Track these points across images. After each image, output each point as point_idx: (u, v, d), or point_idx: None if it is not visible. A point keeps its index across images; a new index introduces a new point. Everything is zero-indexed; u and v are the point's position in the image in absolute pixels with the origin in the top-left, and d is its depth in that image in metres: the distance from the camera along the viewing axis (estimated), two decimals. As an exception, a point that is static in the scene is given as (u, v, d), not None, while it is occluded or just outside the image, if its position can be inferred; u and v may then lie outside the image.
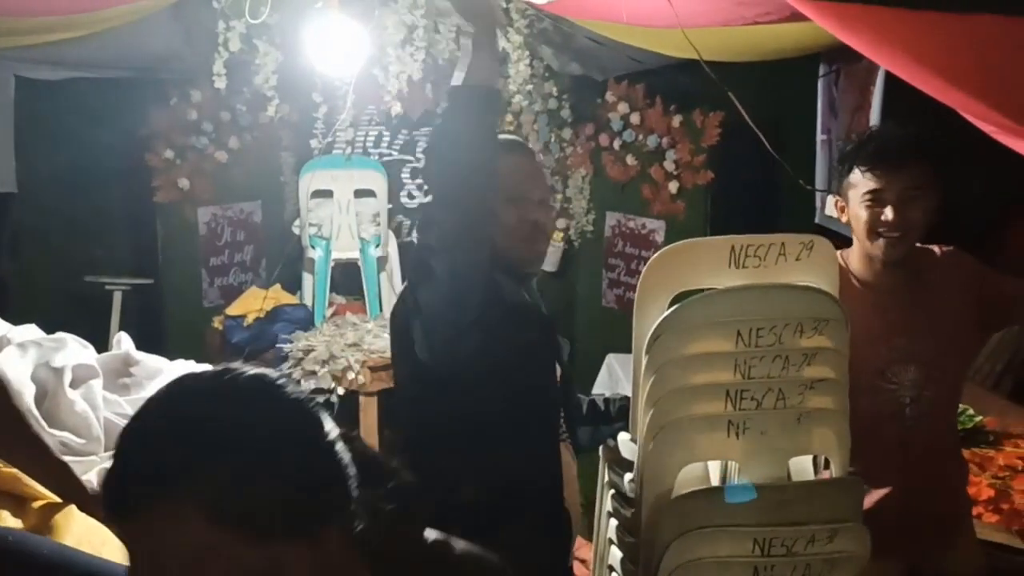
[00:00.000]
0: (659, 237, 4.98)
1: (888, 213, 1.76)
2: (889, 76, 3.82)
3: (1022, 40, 2.19)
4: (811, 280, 1.62)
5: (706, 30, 3.20)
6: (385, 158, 5.09)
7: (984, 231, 5.22)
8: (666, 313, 1.58)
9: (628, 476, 1.72)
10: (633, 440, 1.71)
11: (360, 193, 4.66)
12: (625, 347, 4.50)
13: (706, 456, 1.63)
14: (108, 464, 1.63)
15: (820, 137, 4.77)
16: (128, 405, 2.03)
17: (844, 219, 1.97)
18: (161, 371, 2.19)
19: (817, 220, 4.83)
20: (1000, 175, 4.21)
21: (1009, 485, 2.70)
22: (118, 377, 2.13)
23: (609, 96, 4.96)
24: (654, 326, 1.58)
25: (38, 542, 1.34)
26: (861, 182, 1.82)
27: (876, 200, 1.80)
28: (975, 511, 2.63)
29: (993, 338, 4.90)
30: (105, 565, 1.37)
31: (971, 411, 3.04)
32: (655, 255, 1.63)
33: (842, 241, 4.10)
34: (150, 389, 2.12)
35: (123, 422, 1.96)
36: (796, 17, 2.48)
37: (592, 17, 3.65)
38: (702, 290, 1.64)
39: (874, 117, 4.07)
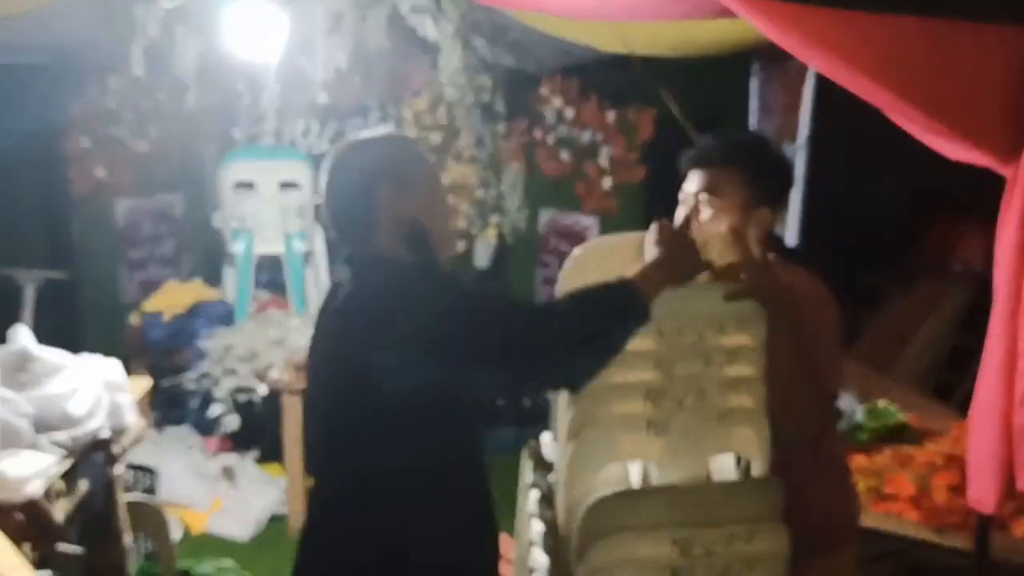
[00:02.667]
0: (593, 234, 4.96)
1: (678, 215, 1.74)
2: (821, 76, 3.86)
3: (944, 41, 2.20)
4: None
5: (637, 24, 3.18)
6: (315, 150, 4.97)
7: (899, 234, 5.33)
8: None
9: (550, 477, 1.67)
10: (556, 439, 1.66)
11: (285, 185, 4.53)
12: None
13: (627, 456, 1.59)
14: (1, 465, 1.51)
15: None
16: (26, 403, 1.92)
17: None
18: (62, 367, 2.08)
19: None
20: (917, 178, 4.31)
21: (929, 482, 2.73)
22: (15, 372, 2.02)
23: (543, 90, 4.92)
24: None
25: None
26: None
27: (682, 203, 1.80)
28: (896, 508, 2.65)
29: (918, 337, 5.00)
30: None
31: (893, 408, 3.07)
32: (574, 252, 1.59)
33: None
34: (49, 386, 2.01)
35: (20, 420, 1.88)
36: (728, 13, 2.46)
37: (523, 7, 3.60)
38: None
39: (804, 117, 4.12)
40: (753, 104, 4.74)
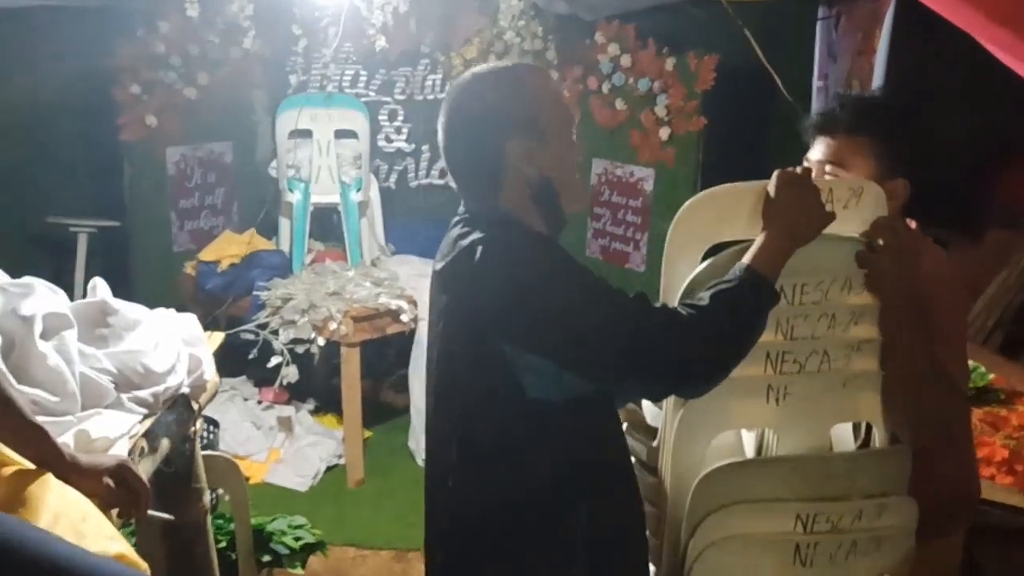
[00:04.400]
0: (648, 186, 4.83)
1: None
2: (898, 20, 3.68)
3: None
4: (860, 230, 1.49)
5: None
6: (363, 98, 4.87)
7: (965, 183, 5.15)
8: (701, 267, 1.44)
9: (652, 443, 1.60)
10: (661, 404, 1.58)
11: (341, 134, 4.44)
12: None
13: (742, 424, 1.51)
14: (84, 426, 1.43)
15: (816, 83, 4.61)
16: (107, 359, 1.86)
17: None
18: (140, 321, 2.02)
19: (809, 170, 4.73)
20: (986, 126, 4.12)
21: (1022, 446, 2.63)
22: (95, 327, 1.95)
23: (598, 37, 4.76)
24: (687, 281, 1.44)
25: (20, 536, 1.17)
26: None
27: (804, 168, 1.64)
28: (988, 472, 2.56)
29: (987, 292, 4.86)
30: (91, 561, 1.21)
31: (982, 369, 2.96)
32: (687, 203, 1.48)
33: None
34: (129, 341, 1.95)
35: (101, 378, 1.82)
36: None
37: None
38: (739, 242, 1.50)
39: (879, 63, 3.93)
40: (820, 49, 4.54)
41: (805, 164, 1.64)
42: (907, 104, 1.99)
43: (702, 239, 1.48)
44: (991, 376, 2.96)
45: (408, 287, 4.11)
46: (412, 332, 4.04)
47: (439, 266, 1.57)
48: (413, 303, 4.01)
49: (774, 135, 4.79)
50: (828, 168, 1.60)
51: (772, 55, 4.53)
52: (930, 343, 1.48)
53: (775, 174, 1.44)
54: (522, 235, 1.44)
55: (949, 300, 1.58)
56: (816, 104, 4.66)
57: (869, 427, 1.56)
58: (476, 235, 1.48)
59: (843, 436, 1.55)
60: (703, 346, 1.37)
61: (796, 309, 1.46)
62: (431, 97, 5.00)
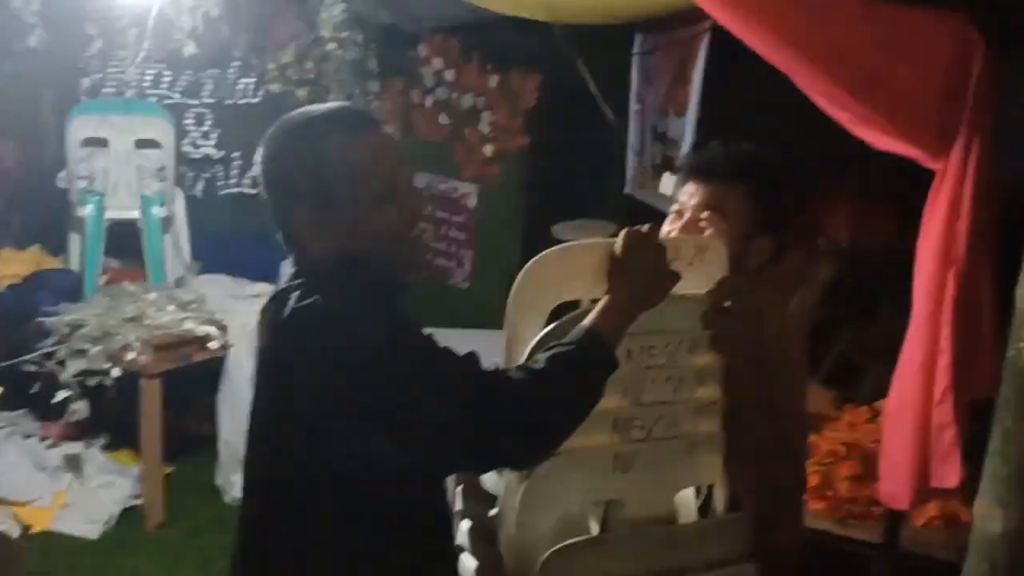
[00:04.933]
0: (472, 202, 4.77)
1: (676, 229, 1.55)
2: (712, 51, 3.77)
3: (885, 28, 2.12)
4: (705, 288, 1.44)
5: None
6: (166, 101, 4.51)
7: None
8: (546, 329, 1.34)
9: (491, 511, 1.48)
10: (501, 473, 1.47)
11: (142, 143, 4.06)
12: (435, 321, 4.31)
13: (589, 494, 1.42)
14: None
15: (633, 107, 4.70)
16: None
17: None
18: None
19: (627, 189, 4.80)
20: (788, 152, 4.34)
21: (833, 472, 2.72)
22: None
23: (422, 50, 4.64)
24: (530, 345, 1.34)
25: None
26: (680, 191, 1.62)
27: (677, 213, 1.60)
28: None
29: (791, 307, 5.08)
30: None
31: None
32: (531, 262, 1.38)
33: (647, 214, 4.05)
34: None
35: None
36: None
37: None
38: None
39: (695, 92, 4.02)
40: (637, 75, 4.61)
41: (677, 206, 1.58)
42: (784, 157, 2.01)
43: (546, 299, 1.38)
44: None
45: (218, 310, 3.81)
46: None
47: (265, 303, 1.41)
48: (223, 328, 3.71)
49: (596, 155, 4.83)
50: (706, 214, 1.54)
51: (593, 76, 4.57)
52: (772, 405, 1.45)
53: (622, 233, 1.36)
54: (342, 288, 1.28)
55: (791, 359, 1.56)
56: (633, 127, 4.75)
57: (710, 488, 1.51)
58: (297, 281, 1.34)
59: (684, 498, 1.49)
60: (535, 414, 1.27)
61: (643, 373, 1.39)
62: (243, 101, 4.72)
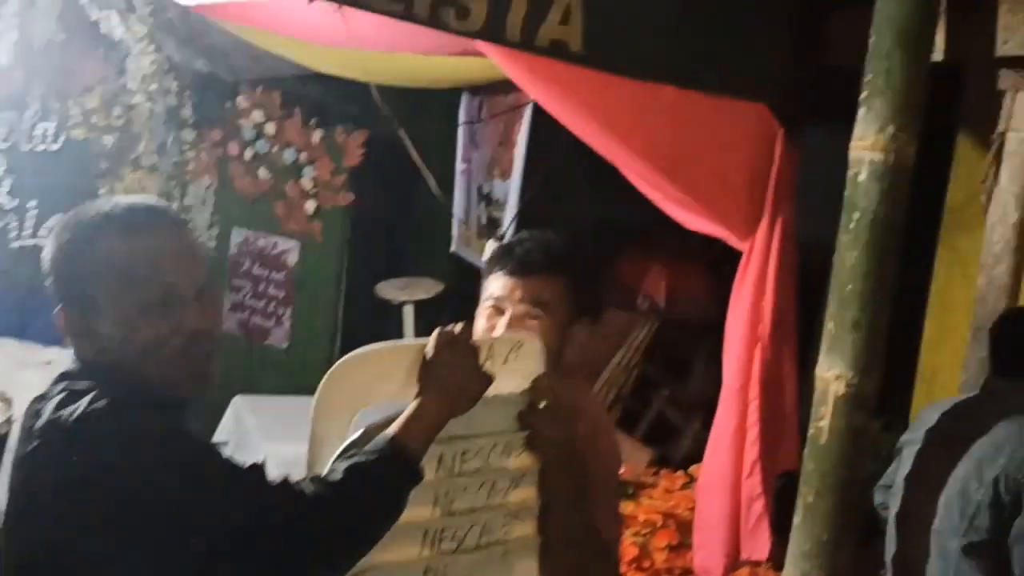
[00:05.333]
0: (292, 258, 4.61)
1: (501, 325, 1.51)
2: (537, 116, 3.83)
3: (697, 114, 2.20)
4: (521, 386, 1.40)
5: (379, 54, 2.92)
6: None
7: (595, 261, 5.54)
8: (352, 437, 1.26)
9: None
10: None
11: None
12: (253, 386, 4.10)
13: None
14: None
15: (460, 167, 4.72)
16: None
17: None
18: None
19: (453, 248, 4.79)
20: (609, 213, 4.46)
21: (650, 542, 2.74)
22: None
23: (241, 101, 4.47)
24: (334, 455, 1.25)
25: None
26: (490, 285, 1.55)
27: (495, 309, 1.54)
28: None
29: (607, 370, 5.19)
30: None
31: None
32: (336, 364, 1.29)
33: (472, 273, 4.03)
34: None
35: None
36: (477, 52, 2.30)
37: (262, 26, 3.19)
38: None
39: (519, 155, 4.07)
40: (462, 135, 4.64)
41: (493, 302, 1.52)
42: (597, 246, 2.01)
43: (352, 403, 1.29)
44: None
45: (2, 380, 3.46)
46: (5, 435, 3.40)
47: (28, 405, 1.25)
48: (6, 400, 3.37)
49: (423, 213, 4.81)
50: (530, 309, 1.49)
51: (417, 133, 4.55)
52: (585, 502, 1.42)
53: (434, 334, 1.30)
54: (108, 400, 1.15)
55: (605, 455, 1.55)
56: (459, 186, 4.76)
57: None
58: (61, 384, 1.20)
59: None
60: (327, 531, 1.17)
61: (456, 480, 1.33)
62: (42, 148, 4.37)
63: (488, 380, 1.32)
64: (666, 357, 5.13)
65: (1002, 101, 2.10)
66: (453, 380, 1.28)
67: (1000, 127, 2.13)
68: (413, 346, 1.31)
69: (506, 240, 1.60)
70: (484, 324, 1.50)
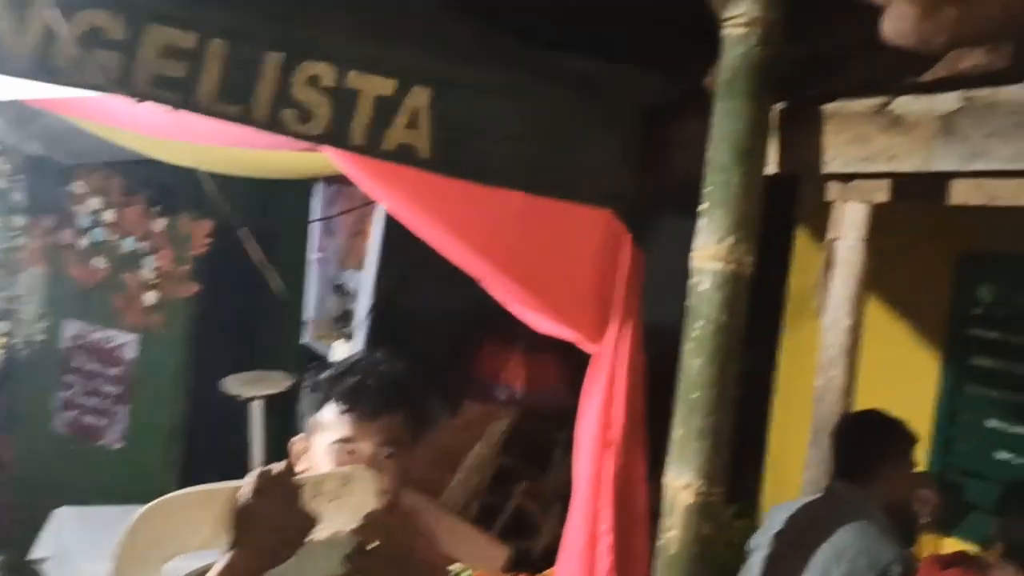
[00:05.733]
0: (130, 353, 4.35)
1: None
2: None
3: (544, 219, 2.19)
4: (351, 524, 1.30)
5: (213, 148, 2.81)
6: None
7: (452, 356, 5.50)
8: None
9: None
10: None
11: None
12: (82, 492, 3.78)
13: None
14: None
15: (316, 255, 4.61)
16: None
17: (302, 465, 1.47)
18: None
19: (305, 340, 4.64)
20: (468, 302, 4.44)
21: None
22: None
23: (78, 186, 4.24)
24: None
25: None
26: (334, 423, 1.44)
27: (347, 451, 1.42)
28: None
29: (465, 464, 5.10)
30: None
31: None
32: (140, 513, 1.16)
33: (325, 366, 3.88)
34: None
35: None
36: (314, 148, 2.23)
37: (94, 119, 3.02)
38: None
39: (372, 248, 4.01)
40: (316, 225, 4.54)
41: (341, 444, 1.41)
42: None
43: (159, 556, 1.16)
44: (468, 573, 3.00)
45: None
46: None
47: None
48: None
49: (273, 304, 4.64)
50: (381, 449, 1.40)
51: (274, 223, 4.43)
52: None
53: (250, 475, 1.20)
54: None
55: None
56: (313, 275, 4.64)
57: None
58: None
59: None
60: None
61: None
62: None
63: (311, 524, 1.22)
64: (525, 448, 5.08)
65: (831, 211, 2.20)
66: (270, 527, 1.18)
67: (830, 235, 2.22)
68: (226, 490, 1.20)
69: (344, 368, 1.49)
70: (332, 464, 1.40)
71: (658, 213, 2.36)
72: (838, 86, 2.05)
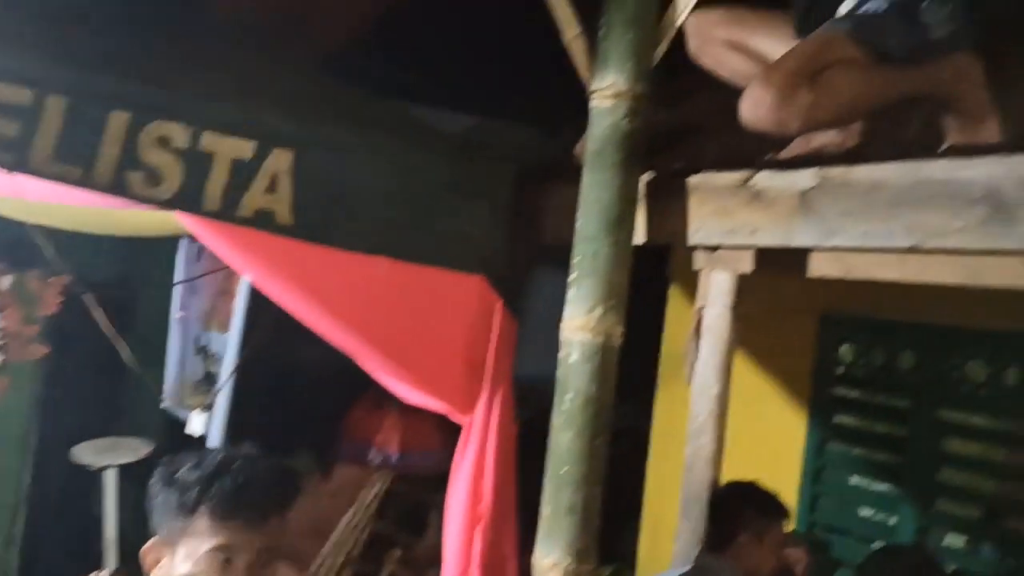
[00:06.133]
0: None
1: None
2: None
3: (412, 287, 2.13)
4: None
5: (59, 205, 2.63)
6: None
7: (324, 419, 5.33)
8: None
9: None
10: None
11: None
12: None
13: None
14: None
15: (177, 314, 4.39)
16: None
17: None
18: None
19: (165, 404, 4.40)
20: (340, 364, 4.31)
21: None
22: None
23: (-90, 245, 3.93)
24: None
25: None
26: (206, 531, 1.33)
27: (224, 561, 1.33)
28: None
29: (337, 529, 4.91)
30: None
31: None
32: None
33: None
34: None
35: None
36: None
37: None
38: None
39: (239, 308, 3.85)
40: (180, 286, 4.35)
41: (217, 553, 1.29)
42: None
43: None
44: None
45: None
46: None
47: None
48: None
49: (126, 369, 4.38)
50: (265, 557, 1.28)
51: (134, 274, 4.21)
52: None
53: None
54: None
55: None
56: (175, 335, 4.41)
57: None
58: None
59: None
60: None
61: None
62: None
63: None
64: (400, 512, 4.93)
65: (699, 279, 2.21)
66: None
67: (698, 303, 2.23)
68: None
69: (212, 467, 1.35)
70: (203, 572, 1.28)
71: (531, 278, 2.33)
72: (704, 156, 2.09)
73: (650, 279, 3.16)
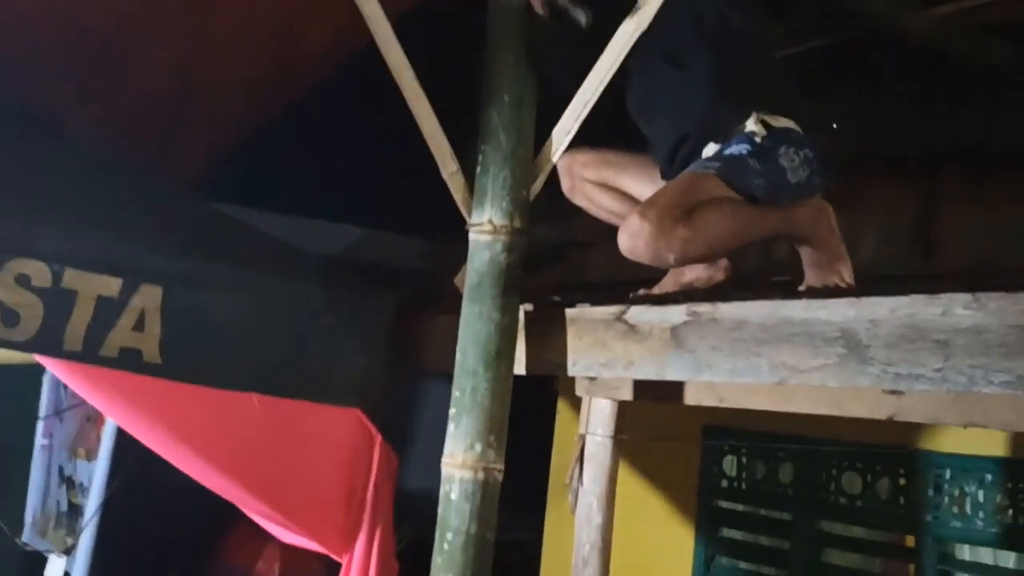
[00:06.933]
0: None
1: None
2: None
3: (285, 424, 2.06)
4: None
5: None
6: None
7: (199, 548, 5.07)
8: None
9: None
10: None
11: None
12: None
13: None
14: None
15: (41, 442, 4.14)
16: None
17: None
18: None
19: (24, 539, 4.09)
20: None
21: None
22: None
23: None
24: None
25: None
26: None
27: None
28: None
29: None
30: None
31: None
32: None
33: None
34: None
35: None
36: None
37: None
38: None
39: (107, 436, 3.65)
40: (47, 408, 4.11)
41: None
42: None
43: None
44: None
45: None
46: None
47: None
48: None
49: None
50: None
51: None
52: None
53: None
54: None
55: None
56: (38, 464, 4.15)
57: None
58: None
59: None
60: None
61: None
62: None
63: None
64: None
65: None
66: None
67: (581, 429, 2.23)
68: None
69: None
70: None
71: (411, 410, 2.30)
72: (581, 284, 2.12)
73: (539, 390, 3.15)
